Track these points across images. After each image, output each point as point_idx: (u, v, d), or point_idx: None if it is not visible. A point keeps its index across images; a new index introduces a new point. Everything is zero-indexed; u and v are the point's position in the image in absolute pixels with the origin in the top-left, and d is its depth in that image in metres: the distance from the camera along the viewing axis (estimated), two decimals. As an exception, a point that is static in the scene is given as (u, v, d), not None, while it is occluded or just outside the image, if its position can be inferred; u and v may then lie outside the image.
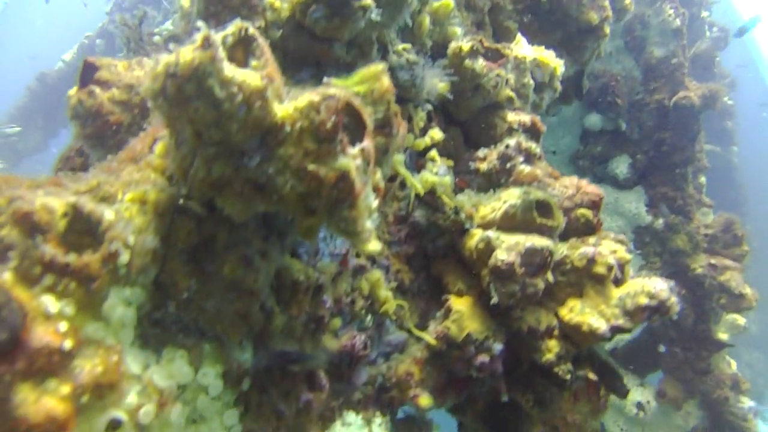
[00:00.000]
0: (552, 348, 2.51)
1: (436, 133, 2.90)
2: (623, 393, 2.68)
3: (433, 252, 2.76)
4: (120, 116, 2.11)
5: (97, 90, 2.11)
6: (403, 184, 2.77)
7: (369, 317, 2.44)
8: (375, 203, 1.62)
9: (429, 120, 2.97)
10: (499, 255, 2.34)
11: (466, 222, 2.61)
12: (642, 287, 2.46)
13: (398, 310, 2.51)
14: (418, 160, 2.89)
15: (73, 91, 2.21)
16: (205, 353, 1.74)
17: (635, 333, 6.90)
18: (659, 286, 2.46)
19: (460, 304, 2.48)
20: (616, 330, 2.44)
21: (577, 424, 2.63)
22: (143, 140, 1.89)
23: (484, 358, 2.39)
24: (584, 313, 2.47)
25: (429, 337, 2.46)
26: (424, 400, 2.43)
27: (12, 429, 1.18)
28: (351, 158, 1.50)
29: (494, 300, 2.34)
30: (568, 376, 2.49)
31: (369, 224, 1.58)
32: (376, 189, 1.81)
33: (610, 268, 2.49)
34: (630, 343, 7.19)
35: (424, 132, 2.92)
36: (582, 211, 2.71)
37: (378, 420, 2.43)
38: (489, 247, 2.40)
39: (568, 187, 2.79)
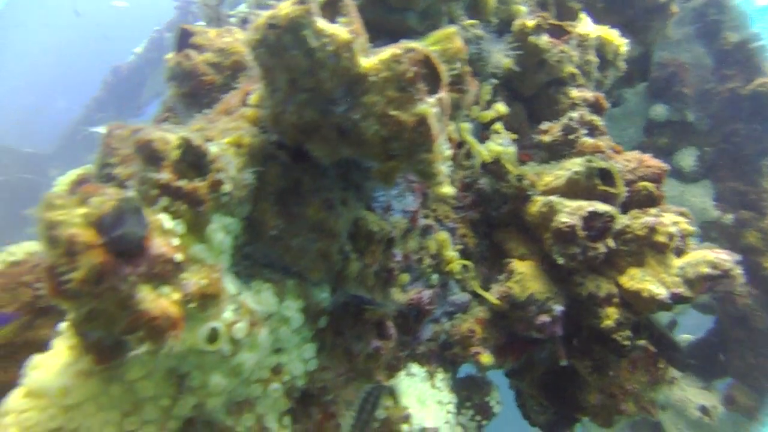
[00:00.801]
0: (611, 314, 2.56)
1: (500, 107, 3.00)
2: (682, 366, 2.70)
3: (497, 219, 2.85)
4: (213, 77, 2.32)
5: (193, 53, 2.33)
6: (468, 154, 2.88)
7: (435, 276, 2.57)
8: (449, 152, 1.75)
9: (494, 95, 3.07)
10: (561, 218, 2.42)
11: (529, 189, 2.70)
12: (704, 257, 2.49)
13: (463, 270, 2.62)
14: (482, 132, 2.99)
15: (170, 55, 2.43)
16: (288, 288, 1.91)
17: (701, 334, 6.66)
18: (722, 256, 2.47)
19: (522, 266, 2.57)
20: (676, 298, 2.47)
21: (635, 393, 2.68)
22: (236, 95, 2.09)
23: (545, 318, 2.47)
24: (644, 280, 2.51)
25: (492, 297, 2.56)
26: (485, 357, 2.53)
27: (135, 320, 1.38)
28: (429, 105, 1.63)
29: (558, 261, 2.42)
30: (627, 343, 2.53)
31: (444, 168, 1.71)
32: (449, 139, 1.94)
33: (671, 237, 2.52)
34: (694, 343, 6.96)
35: (489, 105, 3.02)
36: (644, 183, 2.74)
37: (440, 375, 2.56)
38: (551, 211, 2.48)
39: (631, 160, 2.83)
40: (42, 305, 2.73)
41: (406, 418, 2.27)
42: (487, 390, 2.72)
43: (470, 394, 2.70)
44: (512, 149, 2.80)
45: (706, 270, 2.45)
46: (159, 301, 1.42)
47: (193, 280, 1.53)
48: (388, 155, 1.71)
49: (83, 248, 1.31)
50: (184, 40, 2.40)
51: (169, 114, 2.67)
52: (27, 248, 2.86)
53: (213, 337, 1.58)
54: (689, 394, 6.50)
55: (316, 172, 1.96)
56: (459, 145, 2.73)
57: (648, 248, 2.58)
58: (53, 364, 1.60)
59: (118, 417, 1.62)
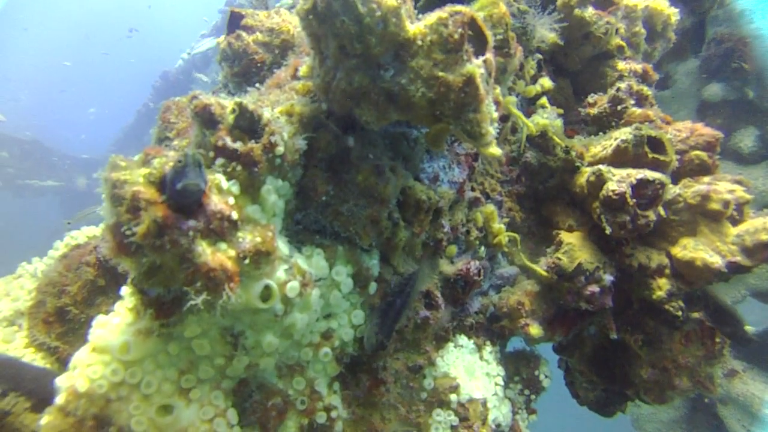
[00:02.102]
0: (663, 286, 2.51)
1: (546, 81, 2.98)
2: (744, 341, 2.63)
3: (544, 193, 2.84)
4: (263, 56, 2.39)
5: (244, 34, 2.41)
6: (514, 129, 2.88)
7: (482, 249, 2.58)
8: (496, 114, 1.76)
9: (539, 69, 3.05)
10: (610, 186, 2.39)
11: (577, 161, 2.67)
12: (764, 224, 2.41)
13: (510, 243, 2.62)
14: (528, 108, 2.98)
15: (221, 39, 2.52)
16: (338, 254, 1.96)
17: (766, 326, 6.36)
18: (783, 223, 2.39)
19: (570, 237, 2.55)
20: (733, 267, 2.41)
21: (689, 367, 2.62)
22: (286, 70, 2.15)
23: (594, 288, 2.45)
24: (698, 249, 2.45)
25: (539, 269, 2.55)
26: (534, 329, 2.52)
27: (193, 272, 1.45)
28: (476, 66, 1.65)
29: (607, 230, 2.39)
30: (680, 313, 2.48)
31: (492, 129, 1.72)
32: (496, 101, 1.95)
33: (726, 204, 2.45)
34: (759, 334, 6.64)
35: (534, 81, 3.00)
36: (696, 152, 2.68)
37: (488, 348, 2.56)
38: (600, 180, 2.45)
39: (682, 130, 2.77)
40: (102, 284, 2.88)
41: (455, 388, 2.29)
42: (536, 364, 2.71)
43: (518, 368, 2.69)
44: (559, 122, 2.78)
45: (767, 237, 2.38)
46: (216, 255, 1.49)
47: (248, 238, 1.60)
48: (436, 117, 1.73)
49: (146, 204, 1.40)
50: (235, 22, 2.49)
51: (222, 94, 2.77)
52: (88, 232, 3.03)
53: (266, 295, 1.65)
54: (753, 388, 6.25)
55: (365, 141, 2.00)
56: (504, 118, 2.73)
57: (701, 217, 2.52)
58: (116, 323, 1.69)
59: (176, 375, 1.71)
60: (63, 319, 2.69)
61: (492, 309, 2.60)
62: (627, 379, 2.78)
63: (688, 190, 2.56)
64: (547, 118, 2.80)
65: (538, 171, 2.81)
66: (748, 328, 6.65)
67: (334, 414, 1.97)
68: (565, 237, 2.56)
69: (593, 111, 2.91)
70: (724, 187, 2.55)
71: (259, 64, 2.38)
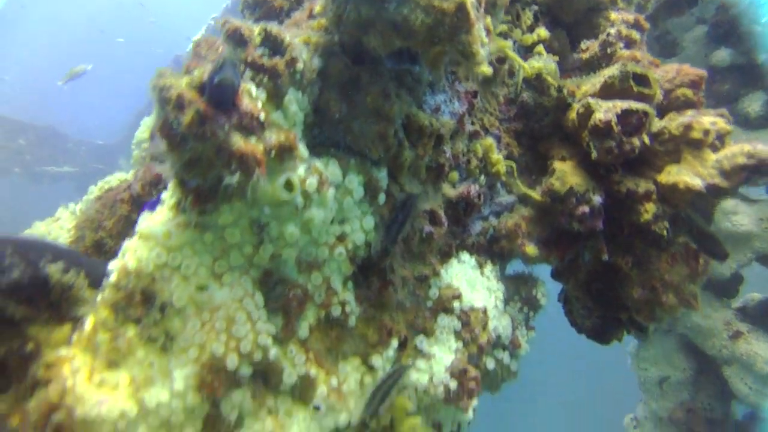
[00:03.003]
0: (650, 209, 2.74)
1: (542, 31, 3.21)
2: (722, 256, 2.84)
3: (540, 131, 3.08)
4: (281, 2, 2.67)
5: (264, -18, 2.69)
6: (511, 73, 3.12)
7: (482, 177, 2.83)
8: (486, 39, 2.01)
9: (536, 20, 3.28)
10: (597, 115, 2.62)
11: (569, 98, 2.91)
12: (741, 148, 2.62)
13: (508, 171, 2.87)
14: (526, 55, 3.21)
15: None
16: (351, 165, 2.23)
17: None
18: (760, 146, 2.60)
19: (562, 165, 2.80)
20: (712, 188, 2.63)
21: (675, 284, 2.84)
22: (303, 12, 2.43)
23: (584, 208, 2.68)
24: (680, 173, 2.67)
25: (534, 193, 2.80)
26: (530, 248, 2.77)
27: (229, 157, 1.73)
28: (466, -6, 1.90)
29: (593, 155, 2.63)
30: (665, 232, 2.71)
31: (483, 51, 1.98)
32: (486, 29, 2.21)
33: (706, 132, 2.67)
34: (762, 302, 6.80)
35: (531, 30, 3.24)
36: (683, 90, 2.89)
37: (489, 267, 2.82)
38: (588, 111, 2.69)
39: (669, 71, 2.98)
40: (135, 218, 3.19)
41: (458, 297, 2.55)
42: (534, 284, 2.96)
43: (518, 288, 2.94)
44: (553, 65, 3.01)
45: (743, 160, 2.59)
46: (248, 144, 1.77)
47: (274, 136, 1.88)
48: (434, 41, 1.99)
49: (189, 102, 1.68)
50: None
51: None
52: (120, 177, 3.34)
53: (289, 187, 1.93)
54: (757, 348, 6.44)
55: (373, 72, 2.27)
56: (502, 61, 2.97)
57: (684, 146, 2.74)
58: (159, 218, 1.99)
59: (210, 261, 1.99)
60: (100, 251, 2.99)
61: (492, 231, 2.85)
62: (619, 301, 3.02)
63: (673, 122, 2.78)
64: (542, 63, 3.03)
65: (534, 110, 3.05)
66: (755, 295, 6.79)
67: (348, 309, 2.25)
68: (558, 165, 2.80)
69: (585, 56, 3.14)
70: (706, 119, 2.77)
71: (277, 11, 2.66)
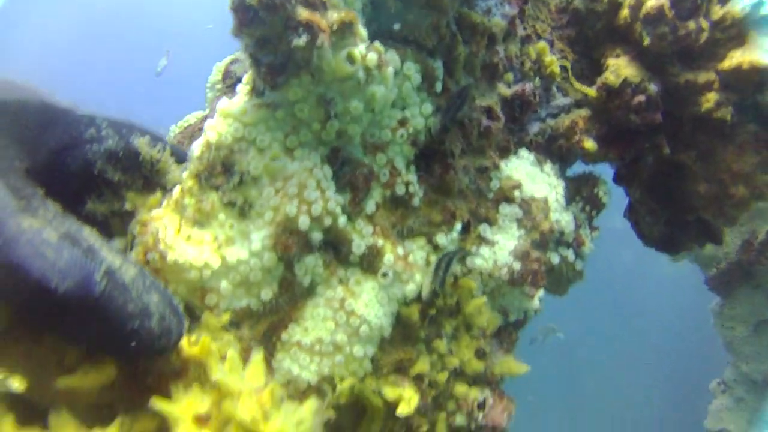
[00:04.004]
0: (711, 98, 2.71)
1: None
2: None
3: (593, 38, 3.09)
4: None
5: None
6: (561, -15, 3.16)
7: (537, 79, 2.88)
8: None
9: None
10: (648, 3, 2.63)
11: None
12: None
13: (563, 72, 2.91)
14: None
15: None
16: (408, 54, 2.35)
17: None
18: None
19: (616, 60, 2.81)
20: (779, 67, 2.57)
21: (744, 174, 2.78)
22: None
23: (641, 98, 2.68)
24: (745, 54, 2.63)
25: (590, 90, 2.83)
26: (588, 143, 2.79)
27: (296, 25, 1.89)
28: None
29: (646, 41, 2.63)
30: (729, 117, 2.66)
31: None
32: None
33: (771, 11, 2.61)
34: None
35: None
36: (743, -23, 2.84)
37: (549, 164, 2.86)
38: (639, 2, 2.70)
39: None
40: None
41: (518, 186, 2.61)
42: (595, 182, 2.96)
43: (579, 188, 2.96)
44: (604, -29, 3.03)
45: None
46: (314, 14, 1.93)
47: (335, 14, 2.03)
48: None
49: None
50: None
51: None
52: (197, 114, 3.60)
53: (351, 59, 2.06)
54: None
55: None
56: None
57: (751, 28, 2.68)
58: (236, 100, 2.18)
59: (282, 136, 2.16)
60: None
61: (549, 131, 2.89)
62: (685, 200, 2.97)
63: (737, 5, 2.72)
64: (593, -30, 3.06)
65: (586, 17, 3.06)
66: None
67: (411, 189, 2.36)
68: (611, 61, 2.82)
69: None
70: (772, 0, 2.70)
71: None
